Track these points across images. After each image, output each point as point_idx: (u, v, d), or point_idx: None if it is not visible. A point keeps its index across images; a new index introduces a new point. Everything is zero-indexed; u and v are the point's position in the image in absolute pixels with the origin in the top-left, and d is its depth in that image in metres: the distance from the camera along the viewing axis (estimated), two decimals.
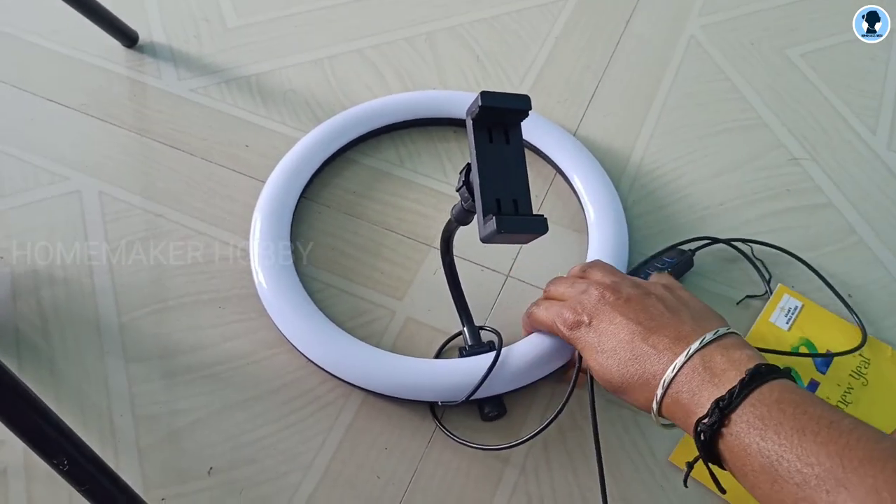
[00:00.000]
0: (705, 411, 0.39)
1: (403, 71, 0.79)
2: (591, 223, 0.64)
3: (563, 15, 0.85)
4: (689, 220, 0.68)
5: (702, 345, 0.42)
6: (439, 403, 0.56)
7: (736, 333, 0.44)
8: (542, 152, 0.70)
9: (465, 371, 0.55)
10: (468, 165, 0.45)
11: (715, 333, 0.43)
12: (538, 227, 0.42)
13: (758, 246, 0.65)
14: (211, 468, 0.55)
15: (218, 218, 0.68)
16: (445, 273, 0.58)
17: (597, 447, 0.49)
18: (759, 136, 0.74)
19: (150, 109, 0.75)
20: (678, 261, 0.63)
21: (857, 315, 0.61)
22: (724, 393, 0.39)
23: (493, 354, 0.55)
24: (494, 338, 0.57)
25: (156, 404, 0.58)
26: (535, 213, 0.43)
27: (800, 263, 0.65)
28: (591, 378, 0.49)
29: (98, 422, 0.57)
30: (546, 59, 0.81)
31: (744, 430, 0.38)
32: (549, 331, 0.52)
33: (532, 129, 0.70)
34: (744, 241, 0.65)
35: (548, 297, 0.54)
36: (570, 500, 0.54)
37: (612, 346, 0.45)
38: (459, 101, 0.72)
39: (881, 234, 0.68)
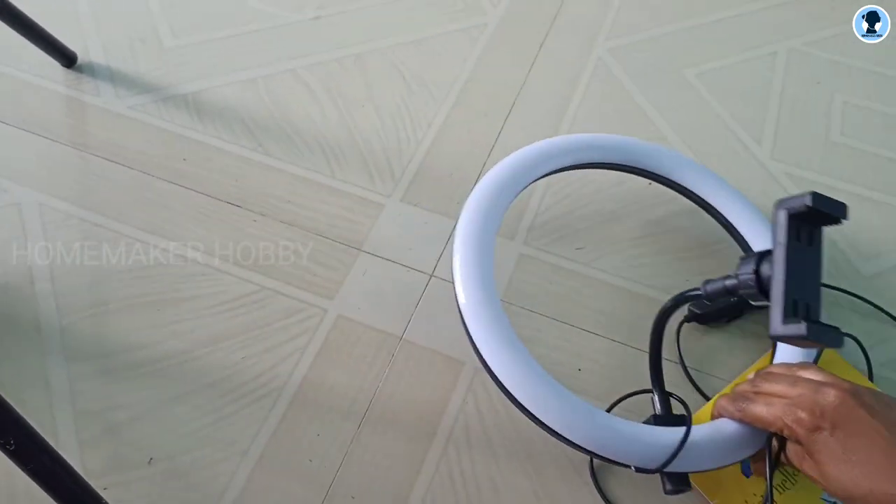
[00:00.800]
0: None
1: (334, 89, 0.85)
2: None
3: (483, 38, 0.92)
4: (589, 226, 0.75)
5: None
6: (633, 468, 0.53)
7: None
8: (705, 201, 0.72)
9: (659, 440, 0.53)
10: (761, 254, 0.46)
11: None
12: (835, 340, 0.42)
13: None
14: (151, 458, 0.59)
15: (156, 226, 0.71)
16: (651, 343, 0.58)
17: None
18: None
19: (89, 126, 0.78)
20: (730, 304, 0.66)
21: None
22: None
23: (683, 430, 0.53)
24: (682, 409, 0.57)
25: (96, 400, 0.61)
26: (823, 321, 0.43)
27: None
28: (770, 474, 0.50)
29: (39, 419, 0.60)
30: (468, 78, 0.87)
31: None
32: (772, 428, 0.48)
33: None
34: None
35: (760, 393, 0.50)
36: None
37: (859, 458, 0.42)
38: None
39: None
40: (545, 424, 0.53)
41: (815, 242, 0.46)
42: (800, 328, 0.42)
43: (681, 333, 0.67)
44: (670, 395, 0.59)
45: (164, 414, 0.61)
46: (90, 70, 0.84)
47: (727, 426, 0.53)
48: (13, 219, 0.71)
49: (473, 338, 0.55)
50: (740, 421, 0.52)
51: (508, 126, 0.83)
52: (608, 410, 0.62)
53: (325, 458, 0.60)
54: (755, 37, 0.94)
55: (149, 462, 0.59)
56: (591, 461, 0.60)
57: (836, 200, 0.44)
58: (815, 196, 0.43)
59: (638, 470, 0.53)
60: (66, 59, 0.83)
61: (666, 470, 0.52)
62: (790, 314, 0.43)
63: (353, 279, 0.70)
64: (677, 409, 0.58)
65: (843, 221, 0.45)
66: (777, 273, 0.44)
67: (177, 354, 0.64)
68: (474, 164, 0.79)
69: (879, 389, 0.50)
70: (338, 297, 0.68)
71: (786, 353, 0.59)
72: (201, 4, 0.91)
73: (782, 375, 0.50)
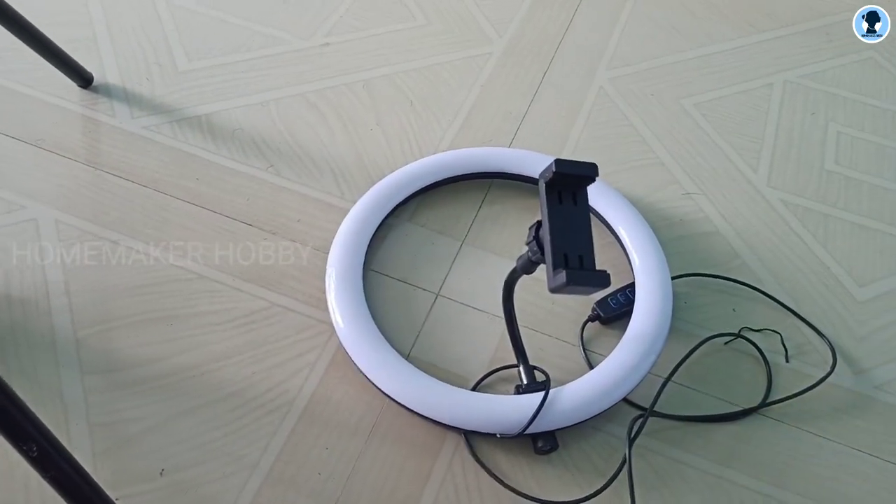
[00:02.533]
0: None
1: (344, 113, 0.87)
2: (638, 269, 0.71)
3: (489, 66, 0.95)
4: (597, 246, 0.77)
5: None
6: (497, 435, 0.61)
7: None
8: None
9: (525, 406, 0.60)
10: (538, 222, 0.51)
11: None
12: (602, 281, 0.47)
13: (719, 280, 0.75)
14: (163, 470, 0.60)
15: (170, 244, 0.73)
16: (505, 317, 0.64)
17: None
18: (657, 174, 0.85)
19: (104, 145, 0.80)
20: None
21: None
22: None
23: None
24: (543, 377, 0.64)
25: (110, 413, 0.62)
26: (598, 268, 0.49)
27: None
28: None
29: (54, 430, 0.60)
30: (472, 104, 0.90)
31: None
32: None
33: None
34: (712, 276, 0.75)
35: None
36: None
37: None
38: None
39: (762, 258, 0.78)
40: (415, 411, 0.62)
41: (579, 202, 0.50)
42: (561, 276, 0.46)
43: (584, 330, 0.71)
44: (534, 367, 0.65)
45: (176, 427, 0.62)
46: (106, 91, 0.86)
47: (581, 387, 0.62)
48: (30, 234, 0.72)
49: (348, 349, 0.65)
50: None
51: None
52: (474, 388, 0.66)
53: (334, 472, 0.61)
54: (752, 69, 0.97)
55: (160, 474, 0.60)
56: (466, 438, 0.63)
57: (582, 162, 0.49)
58: (559, 162, 0.48)
59: (502, 436, 0.60)
60: (83, 79, 0.85)
61: (528, 432, 0.60)
62: (560, 266, 0.47)
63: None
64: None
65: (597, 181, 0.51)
66: (545, 234, 0.49)
67: (188, 368, 0.65)
68: (479, 191, 0.81)
69: None
70: None
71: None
72: (216, 30, 0.94)
73: None
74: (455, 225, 0.78)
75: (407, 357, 0.68)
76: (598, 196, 0.75)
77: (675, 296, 0.71)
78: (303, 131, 0.85)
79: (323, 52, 0.94)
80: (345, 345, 0.66)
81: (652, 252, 0.71)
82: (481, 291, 0.73)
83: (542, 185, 0.50)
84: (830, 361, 0.70)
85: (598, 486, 0.60)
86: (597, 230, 0.66)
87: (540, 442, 0.61)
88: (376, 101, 0.89)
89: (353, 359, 0.65)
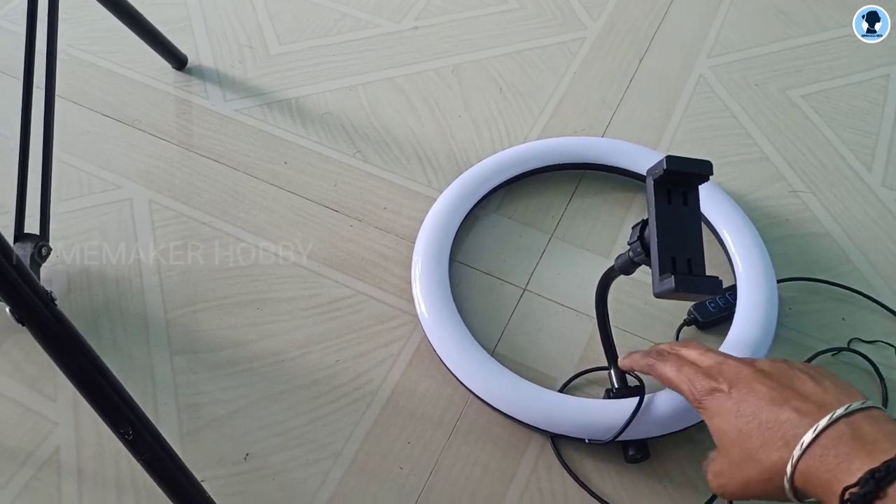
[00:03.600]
0: (854, 480, 0.38)
1: (431, 99, 0.86)
2: (740, 272, 0.67)
3: (582, 51, 0.91)
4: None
5: (847, 411, 0.41)
6: (587, 441, 0.59)
7: (882, 409, 0.43)
8: None
9: (616, 412, 0.58)
10: (643, 222, 0.48)
11: (861, 404, 0.41)
12: (713, 288, 0.45)
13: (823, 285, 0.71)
14: (247, 454, 0.60)
15: (258, 227, 0.73)
16: (597, 317, 0.61)
17: None
18: (762, 169, 0.80)
19: (196, 126, 0.81)
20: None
21: None
22: (878, 464, 0.37)
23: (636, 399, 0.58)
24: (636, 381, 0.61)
25: (198, 394, 0.63)
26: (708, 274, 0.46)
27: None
28: None
29: (143, 408, 0.62)
30: (564, 92, 0.87)
31: None
32: (675, 389, 0.52)
33: None
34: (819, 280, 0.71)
35: (674, 355, 0.54)
36: None
37: (751, 410, 0.45)
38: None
39: (874, 264, 0.72)
40: (501, 410, 0.61)
41: (690, 202, 0.47)
42: (669, 281, 0.44)
43: (679, 334, 0.67)
44: (626, 371, 0.61)
45: (262, 411, 0.62)
46: (199, 73, 0.87)
47: (676, 395, 0.55)
48: (125, 214, 0.74)
49: (432, 342, 0.64)
50: (646, 374, 0.56)
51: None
52: (561, 389, 0.64)
53: (416, 466, 0.60)
54: (866, 58, 0.90)
55: (245, 458, 0.60)
56: (552, 441, 0.61)
57: (696, 159, 0.46)
58: (670, 159, 0.45)
59: (591, 441, 0.58)
60: (178, 61, 0.86)
61: (619, 439, 0.57)
62: (667, 270, 0.44)
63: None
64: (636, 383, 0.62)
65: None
66: (651, 235, 0.46)
67: (274, 353, 0.65)
68: (570, 184, 0.78)
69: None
70: None
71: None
72: (307, 14, 0.94)
73: (697, 346, 0.53)
74: (544, 217, 0.75)
75: (492, 352, 0.66)
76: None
77: (780, 300, 0.67)
78: (390, 116, 0.84)
79: (412, 36, 0.92)
80: (429, 337, 0.64)
81: (757, 254, 0.66)
82: (570, 288, 0.70)
83: (649, 183, 0.47)
84: None
85: (694, 502, 0.57)
86: None
87: (631, 450, 0.58)
88: (465, 87, 0.87)
89: (438, 352, 0.63)
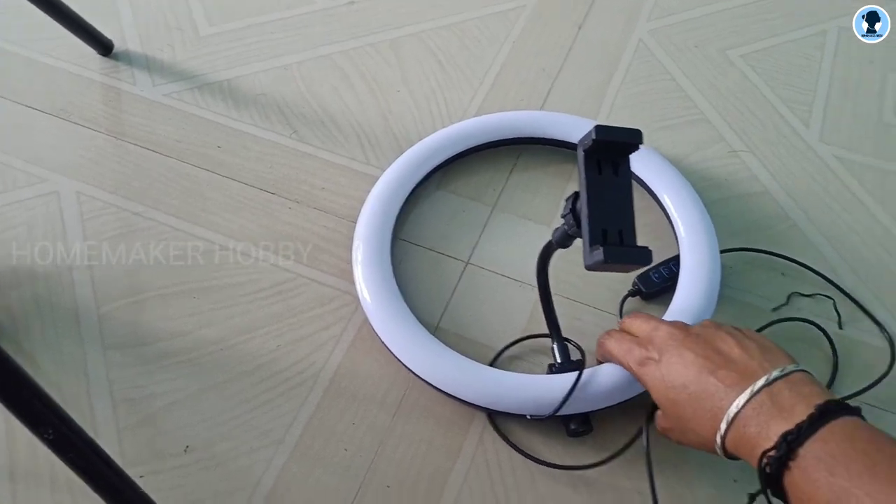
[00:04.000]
0: (772, 444, 0.40)
1: (369, 75, 0.84)
2: (683, 241, 0.66)
3: (520, 21, 0.90)
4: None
5: (768, 381, 0.43)
6: (528, 416, 0.58)
7: (805, 371, 0.45)
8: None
9: (558, 387, 0.57)
10: (576, 194, 0.47)
11: (782, 370, 0.43)
12: (642, 258, 0.44)
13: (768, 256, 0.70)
14: (187, 447, 0.59)
15: (192, 215, 0.71)
16: (540, 291, 0.60)
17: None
18: (701, 131, 0.79)
19: (125, 114, 0.79)
20: None
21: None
22: (792, 427, 0.40)
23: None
24: (579, 354, 0.61)
25: (134, 388, 0.61)
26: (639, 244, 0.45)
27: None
28: (648, 421, 0.53)
29: (77, 406, 0.60)
30: (504, 63, 0.86)
31: (812, 464, 0.38)
32: (618, 363, 0.54)
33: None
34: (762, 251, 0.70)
35: (623, 330, 0.56)
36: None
37: (680, 382, 0.46)
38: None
39: (813, 219, 0.73)
40: (438, 388, 0.60)
41: (621, 173, 0.46)
42: (599, 253, 0.43)
43: (623, 306, 0.67)
44: (568, 341, 0.62)
45: (201, 402, 0.61)
46: (126, 58, 0.84)
47: (616, 367, 0.57)
48: (52, 208, 0.71)
49: (373, 324, 0.63)
50: (602, 357, 0.57)
51: (546, 111, 0.81)
52: (493, 361, 0.63)
53: (361, 447, 0.59)
54: (804, 15, 0.90)
55: (185, 450, 0.59)
56: (489, 417, 0.60)
57: (625, 128, 0.45)
58: (599, 128, 0.44)
59: (532, 417, 0.58)
60: (103, 47, 0.83)
61: (560, 413, 0.56)
62: (597, 242, 0.44)
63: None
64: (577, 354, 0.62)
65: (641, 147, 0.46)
66: (582, 207, 0.45)
67: (213, 343, 0.64)
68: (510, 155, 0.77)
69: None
70: None
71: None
72: None
73: (639, 315, 0.55)
74: (486, 191, 0.74)
75: (435, 328, 0.65)
76: (640, 159, 0.70)
77: (722, 266, 0.67)
78: (327, 95, 0.82)
79: (348, 11, 0.90)
80: (370, 319, 0.63)
81: (699, 224, 0.66)
82: (513, 259, 0.69)
83: (580, 154, 0.46)
84: (887, 348, 0.65)
85: (617, 450, 0.57)
86: (638, 194, 0.63)
87: (573, 424, 0.58)
88: (403, 62, 0.85)
89: (378, 333, 0.62)
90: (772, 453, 0.40)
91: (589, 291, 0.68)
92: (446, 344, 0.61)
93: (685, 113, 0.81)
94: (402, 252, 0.70)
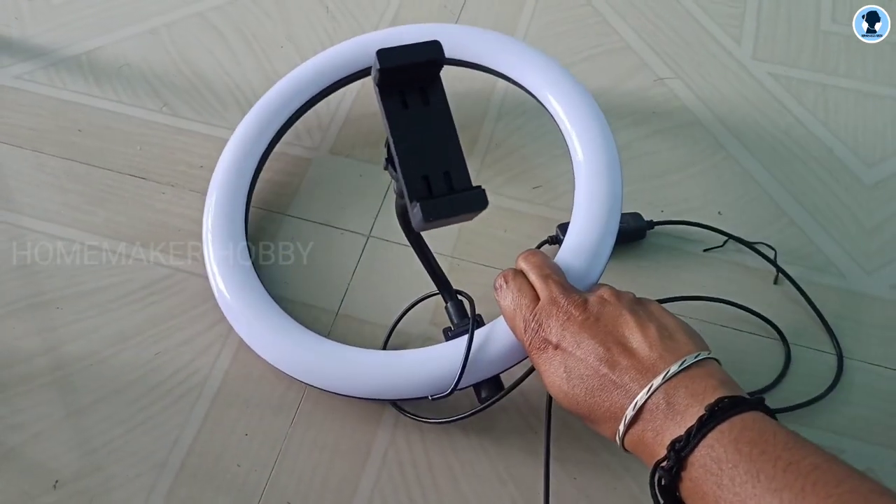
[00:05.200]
0: (664, 454, 0.36)
1: (248, 31, 0.74)
2: (579, 163, 0.54)
3: None
4: (560, 154, 0.65)
5: (665, 378, 0.37)
6: (430, 398, 0.49)
7: (710, 358, 0.39)
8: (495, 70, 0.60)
9: (457, 355, 0.48)
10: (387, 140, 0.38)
11: (681, 364, 0.38)
12: (476, 203, 0.37)
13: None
14: (56, 481, 0.51)
15: (51, 212, 0.62)
16: (414, 249, 0.50)
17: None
18: (623, 60, 0.71)
19: None
20: (632, 227, 0.59)
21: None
22: (682, 433, 0.35)
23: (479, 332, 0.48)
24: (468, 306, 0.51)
25: None
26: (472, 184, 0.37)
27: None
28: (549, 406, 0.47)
29: None
30: (400, 3, 0.76)
31: (701, 475, 0.34)
32: (508, 322, 0.46)
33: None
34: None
35: (516, 279, 0.46)
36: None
37: (579, 373, 0.40)
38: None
39: (749, 147, 0.66)
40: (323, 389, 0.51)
41: (433, 100, 0.38)
42: (417, 213, 0.36)
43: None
44: (461, 294, 0.52)
45: (69, 430, 0.53)
46: None
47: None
48: None
49: (219, 300, 0.55)
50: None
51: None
52: (387, 340, 0.56)
53: (256, 461, 0.52)
54: None
55: (54, 486, 0.51)
56: (395, 406, 0.52)
57: (418, 43, 0.36)
58: (383, 53, 0.35)
59: (434, 398, 0.48)
60: None
61: (462, 387, 0.48)
62: (420, 196, 0.36)
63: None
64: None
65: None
66: (392, 155, 0.37)
67: (81, 358, 0.56)
68: None
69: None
70: (262, 273, 0.59)
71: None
72: None
73: (540, 264, 0.46)
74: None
75: (336, 315, 0.58)
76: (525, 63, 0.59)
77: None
78: (201, 58, 0.72)
79: None
80: (231, 322, 0.55)
81: (597, 132, 0.54)
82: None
83: (375, 92, 0.37)
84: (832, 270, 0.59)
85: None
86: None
87: (483, 391, 0.49)
88: (286, 12, 0.76)
89: (241, 336, 0.54)
90: (663, 464, 0.35)
91: (499, 252, 0.60)
92: (344, 334, 0.54)
93: (605, 41, 0.73)
94: (293, 230, 0.62)
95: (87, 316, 0.57)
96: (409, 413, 0.52)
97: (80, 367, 0.55)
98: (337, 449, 0.52)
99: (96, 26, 0.74)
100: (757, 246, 0.59)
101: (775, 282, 0.58)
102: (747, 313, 0.56)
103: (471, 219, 0.38)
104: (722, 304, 0.57)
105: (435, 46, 0.36)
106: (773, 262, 0.59)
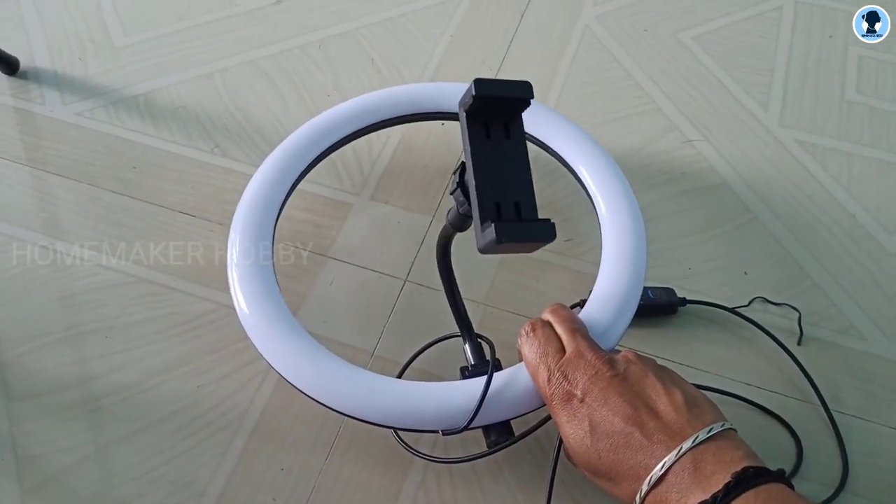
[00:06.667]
0: None
1: (297, 79, 0.78)
2: (604, 217, 0.57)
3: (459, 12, 0.84)
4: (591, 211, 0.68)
5: (695, 443, 0.39)
6: (440, 433, 0.49)
7: (732, 429, 0.41)
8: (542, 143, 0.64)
9: (472, 394, 0.48)
10: (463, 165, 0.41)
11: (709, 431, 0.40)
12: (544, 234, 0.38)
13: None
14: None
15: (106, 244, 0.65)
16: (443, 282, 0.53)
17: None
18: (654, 121, 0.74)
19: (31, 137, 0.73)
20: (664, 301, 0.60)
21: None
22: (707, 497, 0.37)
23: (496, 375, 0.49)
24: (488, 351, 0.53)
25: (39, 444, 0.56)
26: (540, 217, 0.39)
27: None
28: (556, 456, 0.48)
29: None
30: (442, 58, 0.80)
31: None
32: (531, 378, 0.47)
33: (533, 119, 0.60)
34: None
35: (545, 323, 0.48)
36: None
37: (604, 430, 0.41)
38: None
39: (775, 210, 0.68)
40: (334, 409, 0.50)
41: (513, 135, 0.40)
42: (490, 232, 0.37)
43: None
44: (481, 338, 0.54)
45: (113, 455, 0.55)
46: (35, 76, 0.78)
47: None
48: None
49: (248, 330, 0.53)
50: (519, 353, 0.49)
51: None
52: (402, 371, 0.57)
53: (291, 496, 0.54)
54: None
55: None
56: (396, 433, 0.53)
57: (512, 81, 0.39)
58: (480, 83, 0.37)
59: (445, 433, 0.48)
60: (9, 66, 0.77)
61: (473, 426, 0.48)
62: (491, 219, 0.38)
63: (318, 290, 0.63)
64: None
65: (534, 102, 0.40)
66: (469, 178, 0.39)
67: (127, 387, 0.58)
68: (451, 153, 0.72)
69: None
70: (302, 312, 0.62)
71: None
72: None
73: (566, 318, 0.48)
74: (423, 197, 0.69)
75: (371, 355, 0.60)
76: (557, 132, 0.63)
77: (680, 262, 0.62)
78: (252, 103, 0.76)
79: (275, 12, 0.84)
80: (260, 349, 0.53)
81: (621, 199, 0.58)
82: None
83: (462, 116, 0.40)
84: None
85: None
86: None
87: (492, 435, 0.50)
88: (333, 63, 0.80)
89: (264, 355, 0.53)
90: None
91: (529, 301, 0.62)
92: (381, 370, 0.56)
93: (637, 103, 0.76)
94: (331, 272, 0.64)
95: (134, 346, 0.60)
96: (412, 448, 0.53)
97: (126, 395, 0.58)
98: (369, 487, 0.54)
99: (154, 70, 0.78)
100: (781, 306, 0.61)
101: (799, 343, 0.60)
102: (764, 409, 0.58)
103: (534, 250, 0.39)
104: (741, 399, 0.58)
105: (526, 87, 0.39)
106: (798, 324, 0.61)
